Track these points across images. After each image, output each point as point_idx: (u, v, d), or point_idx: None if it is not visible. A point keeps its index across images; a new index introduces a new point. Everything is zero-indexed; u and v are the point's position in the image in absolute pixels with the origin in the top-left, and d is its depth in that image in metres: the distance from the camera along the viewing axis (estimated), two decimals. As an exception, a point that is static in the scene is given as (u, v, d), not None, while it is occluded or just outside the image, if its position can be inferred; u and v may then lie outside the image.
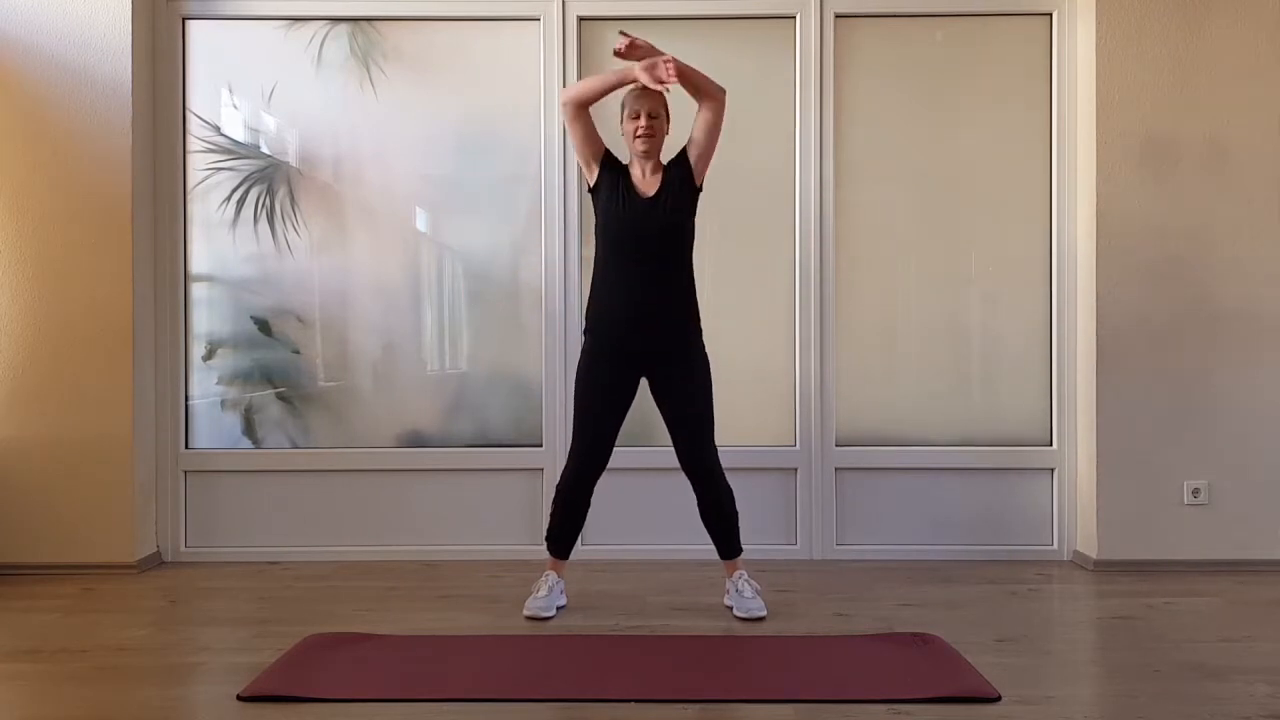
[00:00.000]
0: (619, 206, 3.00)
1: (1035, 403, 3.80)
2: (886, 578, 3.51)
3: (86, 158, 3.56)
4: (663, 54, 2.96)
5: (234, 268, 3.81)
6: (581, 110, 3.03)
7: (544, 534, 3.16)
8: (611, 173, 3.04)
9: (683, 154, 3.06)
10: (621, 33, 3.02)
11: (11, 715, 2.27)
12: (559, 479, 3.10)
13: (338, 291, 3.82)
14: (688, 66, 2.98)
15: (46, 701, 2.35)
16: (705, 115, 3.02)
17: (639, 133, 2.99)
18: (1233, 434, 3.60)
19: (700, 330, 3.08)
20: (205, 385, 3.81)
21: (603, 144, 3.08)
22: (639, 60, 2.96)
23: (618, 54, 3.00)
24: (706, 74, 3.00)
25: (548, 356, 3.77)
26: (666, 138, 3.07)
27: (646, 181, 3.03)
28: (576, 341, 3.59)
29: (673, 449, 3.06)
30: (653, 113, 3.00)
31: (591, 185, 3.07)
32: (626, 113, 3.03)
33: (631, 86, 3.03)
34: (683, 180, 3.03)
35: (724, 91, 3.02)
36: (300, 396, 3.81)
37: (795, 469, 3.78)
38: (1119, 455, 3.60)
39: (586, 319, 3.11)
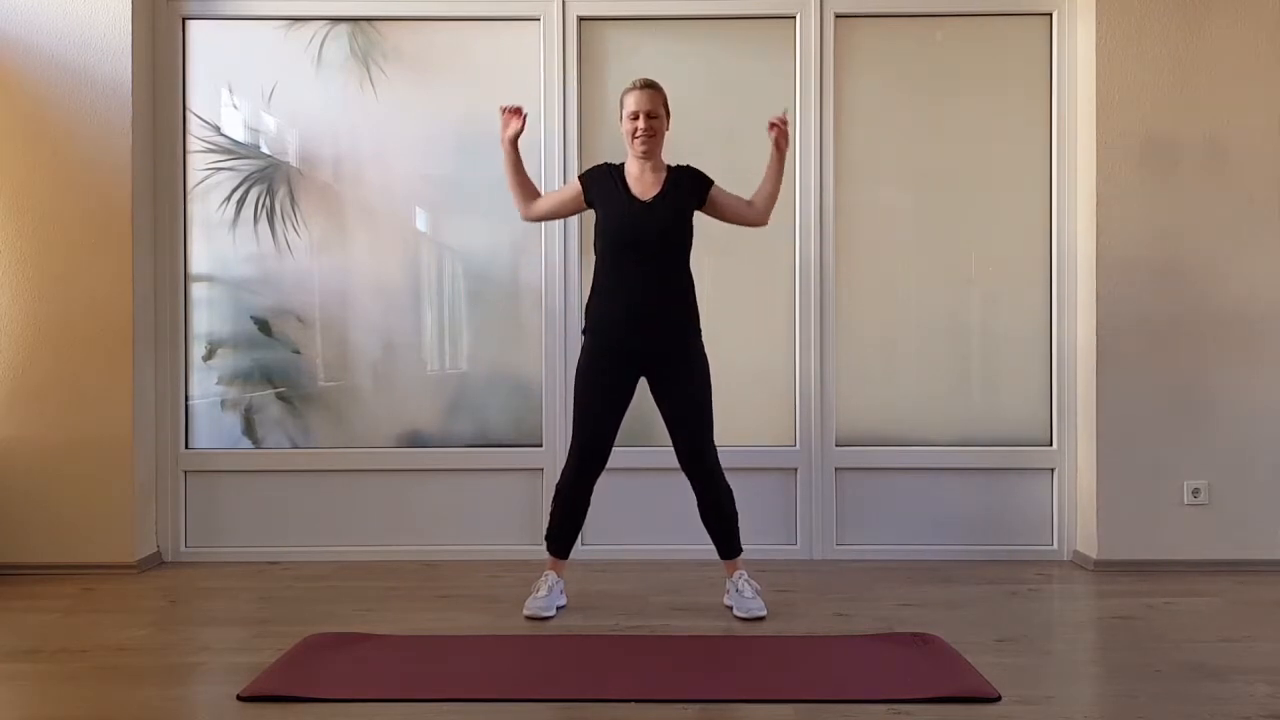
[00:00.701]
0: (617, 209, 3.00)
1: (1035, 403, 3.80)
2: (886, 578, 3.50)
3: (86, 158, 3.56)
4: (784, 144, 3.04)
5: (234, 268, 3.80)
6: (532, 201, 3.12)
7: (544, 534, 3.16)
8: (602, 184, 3.05)
9: (704, 183, 3.07)
10: (786, 110, 3.08)
11: (11, 715, 2.27)
12: (558, 479, 3.10)
13: (338, 291, 3.82)
14: (778, 173, 3.07)
15: (46, 701, 2.35)
16: (743, 214, 3.10)
17: (637, 134, 2.99)
18: (1233, 434, 3.60)
19: (699, 330, 3.08)
20: (205, 385, 3.81)
21: (574, 188, 3.11)
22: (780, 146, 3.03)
23: (772, 127, 3.02)
24: (773, 196, 3.09)
25: (548, 356, 3.77)
26: (668, 135, 3.08)
27: (645, 182, 3.03)
28: (576, 341, 3.59)
29: (672, 449, 3.06)
30: (651, 112, 2.99)
31: (588, 205, 3.09)
32: (625, 112, 3.03)
33: (629, 87, 3.03)
34: (690, 192, 3.04)
35: (765, 221, 3.12)
36: (300, 396, 3.81)
37: (795, 469, 3.78)
38: (1119, 455, 3.60)
39: (586, 319, 3.11)
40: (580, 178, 3.12)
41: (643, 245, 2.98)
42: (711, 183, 3.09)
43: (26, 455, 3.56)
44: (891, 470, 3.78)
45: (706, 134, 3.71)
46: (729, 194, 3.11)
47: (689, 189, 3.05)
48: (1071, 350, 3.76)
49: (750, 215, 3.10)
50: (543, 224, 3.75)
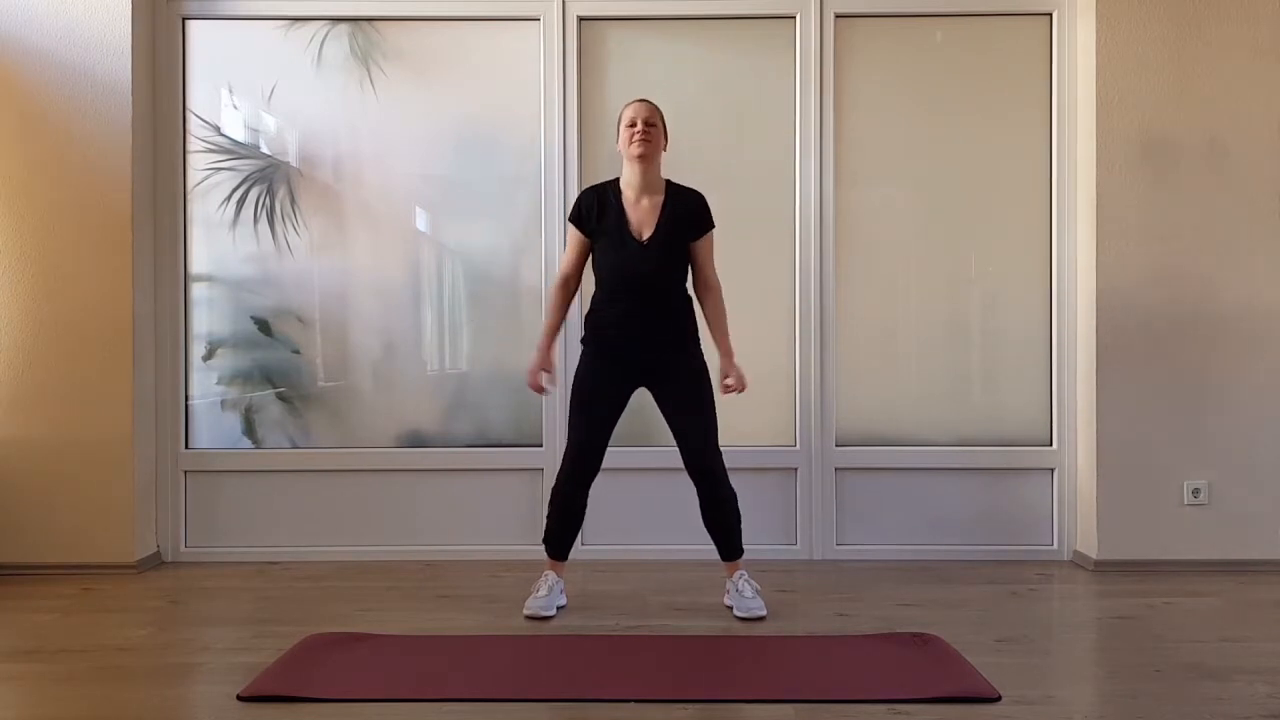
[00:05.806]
0: (616, 246, 2.99)
1: (1035, 403, 3.80)
2: (886, 578, 3.51)
3: (86, 158, 3.56)
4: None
5: (234, 268, 3.80)
6: (567, 295, 3.13)
7: (542, 536, 3.15)
8: (597, 215, 3.02)
9: (706, 225, 3.04)
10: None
11: (11, 715, 2.27)
12: (554, 482, 3.10)
13: (338, 291, 3.82)
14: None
15: (46, 701, 2.35)
16: (702, 278, 3.08)
17: (635, 137, 2.97)
18: (1233, 434, 3.60)
19: (698, 341, 3.09)
20: (205, 385, 3.81)
21: (577, 240, 3.07)
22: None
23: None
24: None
25: (548, 356, 3.76)
26: (667, 146, 3.08)
27: (642, 210, 3.00)
28: (576, 343, 3.59)
29: (672, 449, 3.06)
30: (649, 120, 2.98)
31: (591, 240, 3.07)
32: (623, 124, 3.01)
33: (627, 104, 3.03)
34: (689, 226, 3.01)
35: (714, 298, 3.11)
36: (300, 396, 3.81)
37: (795, 469, 3.78)
38: (1119, 455, 3.60)
39: (585, 329, 3.12)
40: (571, 219, 3.07)
41: (638, 280, 2.99)
42: (711, 228, 3.06)
43: (27, 455, 3.56)
44: (891, 470, 3.78)
45: (706, 134, 3.72)
46: (709, 248, 3.07)
47: (688, 222, 3.02)
48: (1071, 350, 3.76)
49: (703, 287, 3.08)
50: (542, 223, 3.76)
